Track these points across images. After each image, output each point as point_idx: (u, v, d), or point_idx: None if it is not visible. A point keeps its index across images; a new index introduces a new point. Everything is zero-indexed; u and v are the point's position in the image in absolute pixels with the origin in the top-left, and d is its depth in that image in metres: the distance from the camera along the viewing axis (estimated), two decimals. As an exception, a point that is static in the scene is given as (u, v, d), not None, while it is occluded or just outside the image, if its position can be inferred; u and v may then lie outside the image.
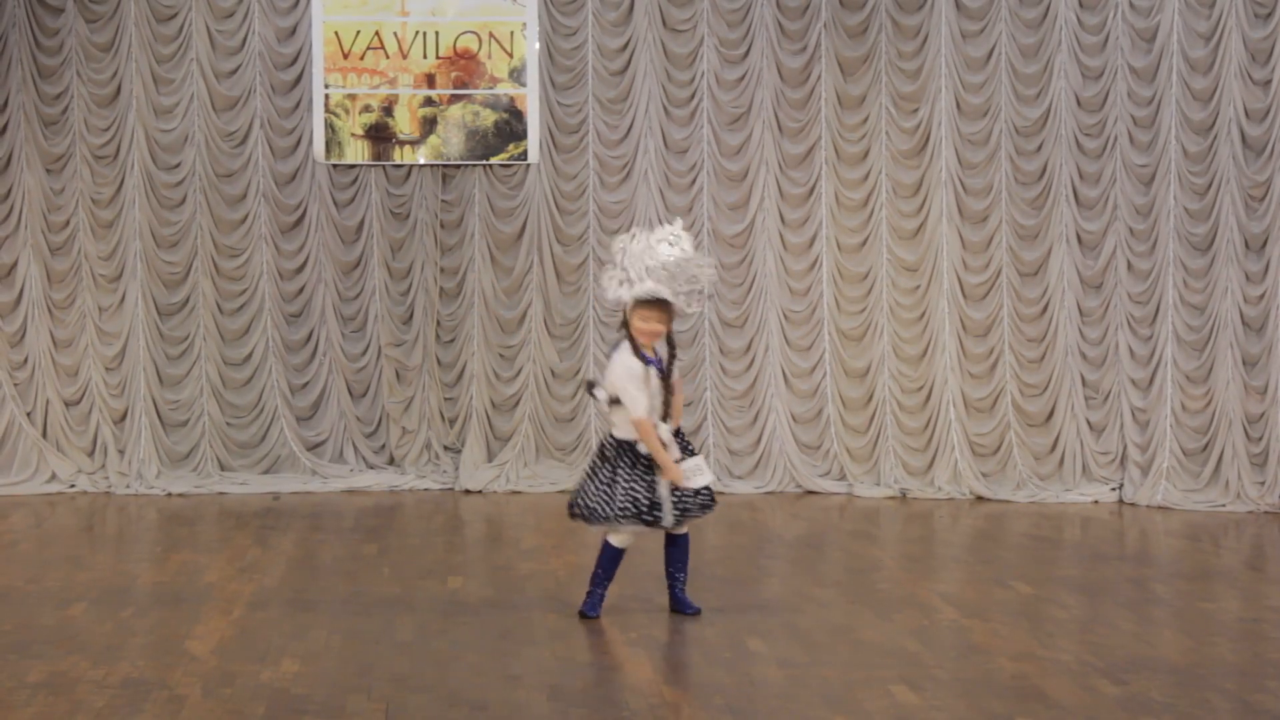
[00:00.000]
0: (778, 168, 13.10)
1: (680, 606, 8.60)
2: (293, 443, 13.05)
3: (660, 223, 8.50)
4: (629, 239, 8.34)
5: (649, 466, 8.29)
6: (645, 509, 8.27)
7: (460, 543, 11.19)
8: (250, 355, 13.09)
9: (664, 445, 8.26)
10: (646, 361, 8.28)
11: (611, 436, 8.40)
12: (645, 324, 8.25)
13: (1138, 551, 11.17)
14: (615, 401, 8.31)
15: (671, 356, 8.43)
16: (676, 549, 8.58)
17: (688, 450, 8.42)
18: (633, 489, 8.27)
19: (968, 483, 12.85)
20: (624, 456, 8.31)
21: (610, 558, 8.48)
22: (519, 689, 7.14)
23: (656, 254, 8.25)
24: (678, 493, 8.30)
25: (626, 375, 8.24)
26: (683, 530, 8.53)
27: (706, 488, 8.42)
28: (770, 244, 13.11)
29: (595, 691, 7.21)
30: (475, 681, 7.27)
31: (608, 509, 8.27)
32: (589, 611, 8.49)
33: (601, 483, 8.32)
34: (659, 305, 8.24)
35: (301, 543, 10.82)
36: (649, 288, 8.21)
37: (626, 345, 8.32)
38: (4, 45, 12.84)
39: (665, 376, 8.32)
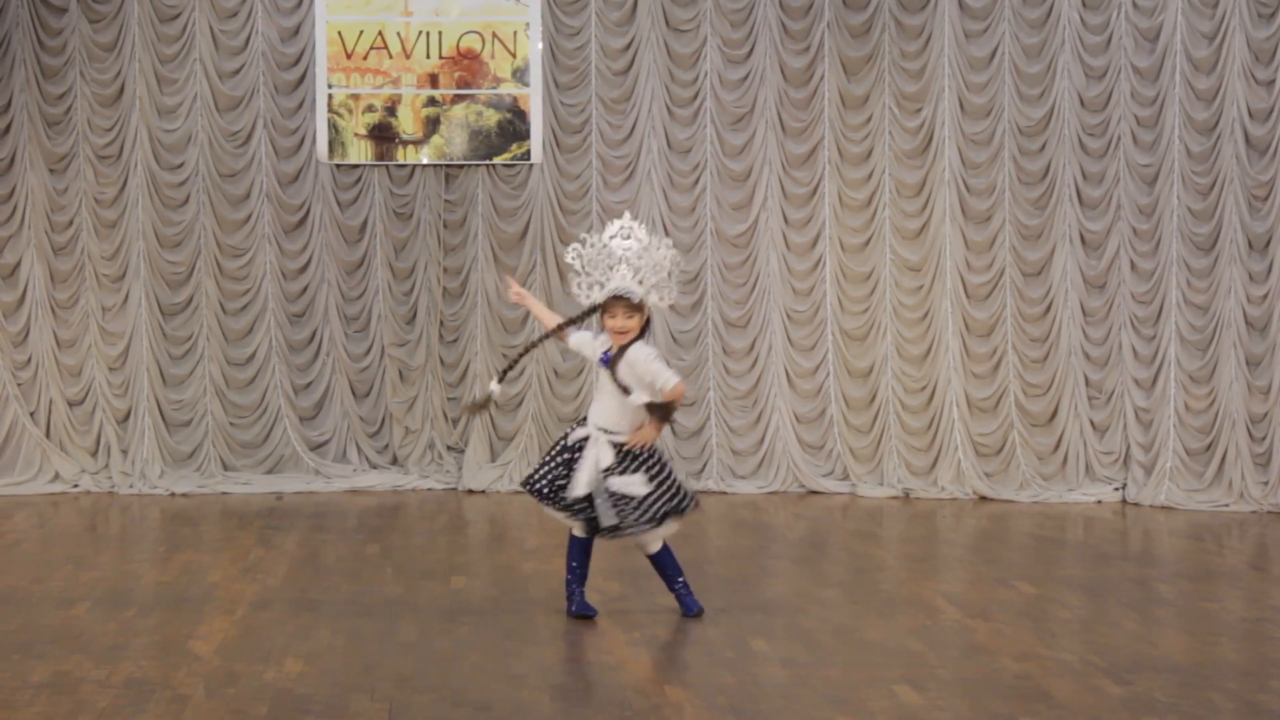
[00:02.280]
0: (781, 167, 13.10)
1: (682, 609, 8.58)
2: (296, 443, 13.05)
3: (639, 218, 8.50)
4: (581, 245, 8.41)
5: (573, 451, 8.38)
6: (551, 487, 8.35)
7: (463, 543, 11.19)
8: (253, 355, 13.10)
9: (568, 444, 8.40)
10: (604, 357, 8.33)
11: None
12: (612, 321, 8.31)
13: (1141, 551, 11.17)
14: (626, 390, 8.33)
15: (623, 352, 8.36)
16: (658, 563, 8.55)
17: (621, 466, 8.33)
18: (554, 467, 8.37)
19: (971, 483, 12.84)
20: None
21: (571, 548, 8.50)
22: (522, 689, 7.15)
23: (613, 251, 8.33)
24: (583, 502, 8.30)
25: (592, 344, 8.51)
26: (653, 549, 8.50)
27: (626, 498, 8.27)
28: (773, 244, 13.11)
29: (598, 691, 7.21)
30: (478, 681, 7.27)
31: (532, 478, 8.44)
32: (576, 610, 8.48)
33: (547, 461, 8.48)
34: (621, 303, 8.26)
35: (305, 543, 10.83)
36: (614, 286, 8.27)
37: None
38: (7, 45, 12.84)
39: (611, 369, 8.31)
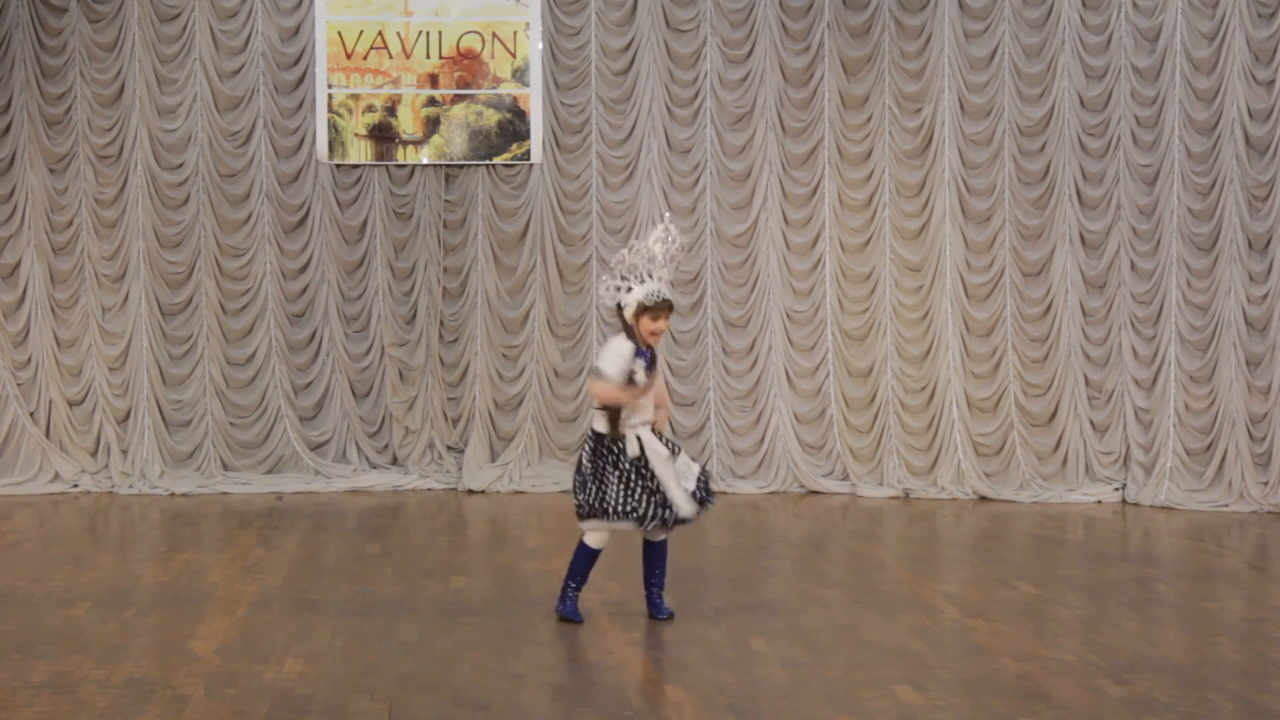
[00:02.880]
0: (781, 168, 13.10)
1: (654, 612, 8.57)
2: (296, 443, 13.05)
3: (671, 224, 8.51)
4: (627, 252, 8.41)
5: (645, 468, 8.30)
6: (660, 506, 8.26)
7: (463, 543, 11.19)
8: (253, 355, 13.10)
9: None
10: (639, 354, 8.31)
11: (592, 430, 8.40)
12: (655, 323, 8.31)
13: (1141, 551, 11.17)
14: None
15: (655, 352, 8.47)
16: (655, 554, 8.54)
17: (674, 449, 8.42)
18: (640, 485, 8.28)
19: (971, 483, 12.84)
20: (608, 452, 8.33)
21: (589, 560, 8.46)
22: (522, 689, 7.15)
23: (655, 256, 8.34)
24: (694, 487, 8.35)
25: (614, 351, 8.29)
26: (662, 536, 8.50)
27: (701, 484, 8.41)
28: (773, 244, 13.11)
29: (599, 691, 7.21)
30: (479, 681, 7.27)
31: (615, 504, 8.27)
32: (571, 614, 8.45)
33: (602, 480, 8.32)
34: (668, 306, 8.32)
35: (305, 543, 10.82)
36: (658, 289, 8.31)
37: (624, 335, 8.34)
38: (7, 45, 12.84)
39: (650, 369, 8.36)
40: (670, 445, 8.38)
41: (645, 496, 8.25)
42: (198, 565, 9.96)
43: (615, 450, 8.29)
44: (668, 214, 8.80)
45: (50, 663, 7.52)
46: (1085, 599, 9.19)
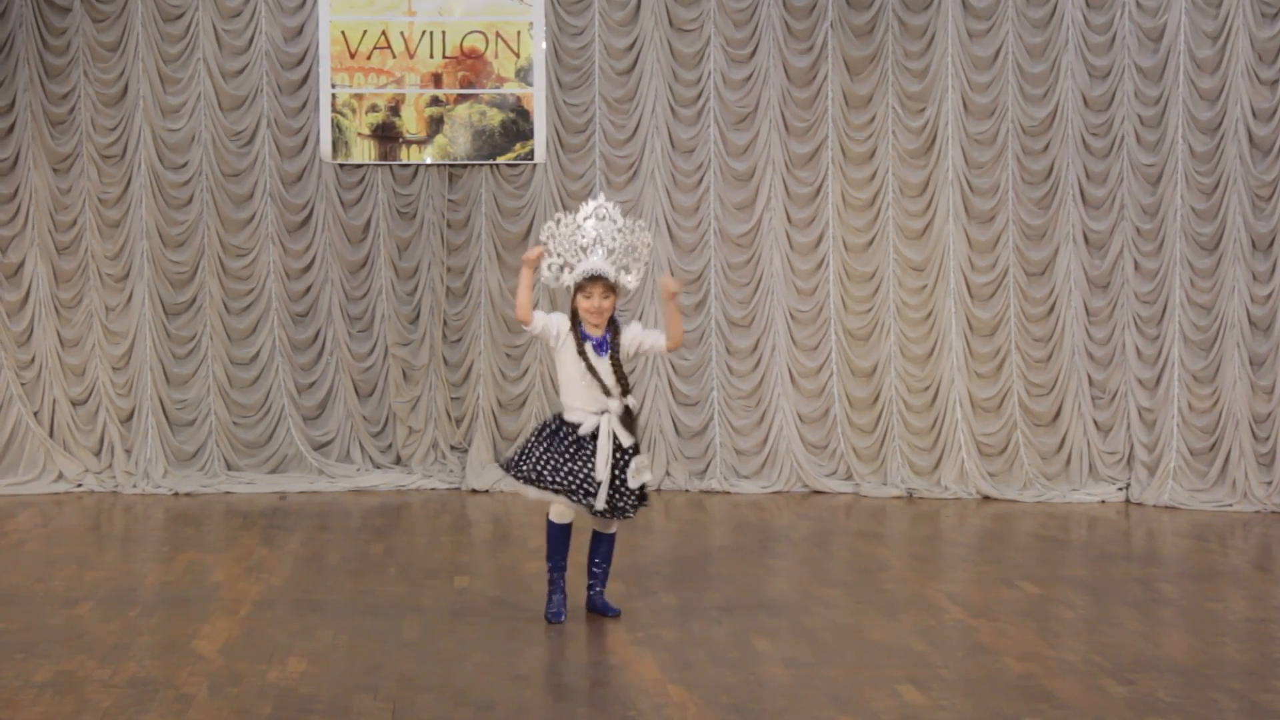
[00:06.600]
0: (784, 167, 13.10)
1: (600, 609, 8.55)
2: (299, 442, 13.06)
3: (640, 216, 8.50)
4: (554, 224, 8.35)
5: (592, 450, 8.23)
6: (579, 485, 8.20)
7: (467, 542, 11.19)
8: (257, 354, 13.10)
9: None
10: (588, 339, 8.27)
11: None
12: (588, 301, 8.25)
13: (1145, 551, 11.16)
14: None
15: (616, 336, 8.35)
16: (602, 546, 8.55)
17: (634, 449, 8.33)
18: (572, 463, 8.22)
19: (974, 482, 12.84)
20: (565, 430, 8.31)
21: (556, 535, 8.43)
22: (526, 689, 7.15)
23: (586, 231, 8.28)
24: (615, 484, 8.25)
25: (560, 316, 8.32)
26: (612, 529, 8.51)
27: (643, 486, 8.34)
28: (777, 243, 13.11)
29: (602, 691, 7.21)
30: (482, 681, 7.28)
31: (540, 470, 8.21)
32: (554, 617, 8.41)
33: (539, 446, 8.27)
34: (598, 282, 8.23)
35: (308, 542, 10.83)
36: (585, 266, 8.24)
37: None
38: (11, 45, 12.85)
39: (614, 356, 8.29)
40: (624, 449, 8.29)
41: (580, 473, 8.22)
42: (201, 565, 9.97)
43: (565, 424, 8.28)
44: (601, 195, 8.76)
45: (53, 662, 7.52)
46: (1089, 599, 9.19)
